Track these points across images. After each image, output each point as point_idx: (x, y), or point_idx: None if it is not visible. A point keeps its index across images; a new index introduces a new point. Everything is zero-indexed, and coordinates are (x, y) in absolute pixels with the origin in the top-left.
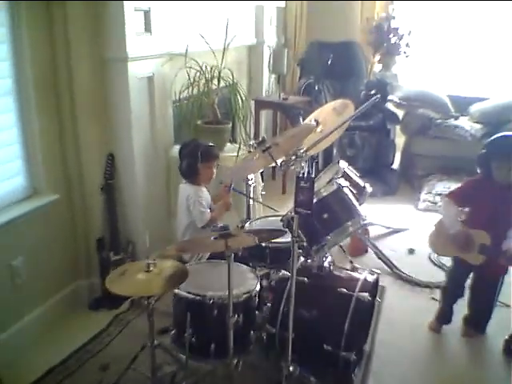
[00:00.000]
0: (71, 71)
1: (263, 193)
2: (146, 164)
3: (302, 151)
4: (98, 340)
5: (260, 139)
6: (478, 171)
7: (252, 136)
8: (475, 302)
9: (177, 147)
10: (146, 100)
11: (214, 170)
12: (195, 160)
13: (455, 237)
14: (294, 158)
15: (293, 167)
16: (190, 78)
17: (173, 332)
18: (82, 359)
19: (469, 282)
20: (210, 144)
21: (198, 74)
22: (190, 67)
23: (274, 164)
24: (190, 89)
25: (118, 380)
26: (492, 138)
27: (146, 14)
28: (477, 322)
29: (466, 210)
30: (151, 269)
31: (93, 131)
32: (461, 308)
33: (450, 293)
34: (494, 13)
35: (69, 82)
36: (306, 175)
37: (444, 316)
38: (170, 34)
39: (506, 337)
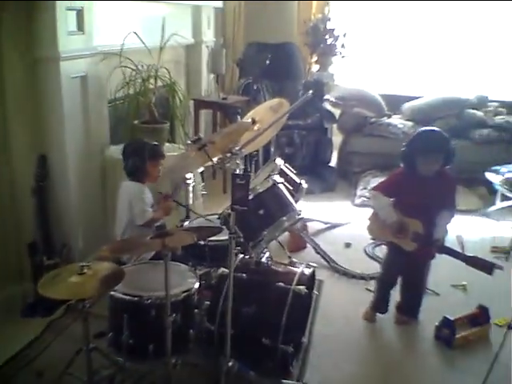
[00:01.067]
0: (2, 71)
1: (204, 192)
2: (79, 165)
3: (236, 148)
4: (33, 347)
5: (196, 137)
6: (402, 165)
7: (192, 135)
8: (406, 288)
9: (113, 147)
10: (79, 100)
11: (160, 169)
12: (141, 159)
13: (391, 225)
14: (229, 155)
15: (228, 164)
16: (125, 77)
17: (109, 335)
18: (16, 367)
19: None
20: (156, 143)
21: (134, 73)
22: (126, 66)
23: (210, 162)
24: (126, 88)
25: None
26: (415, 134)
27: (79, 13)
28: (409, 308)
29: (393, 200)
30: (85, 271)
31: (24, 132)
32: (393, 297)
33: (385, 281)
34: (423, 13)
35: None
36: (242, 172)
37: (380, 305)
38: (104, 33)
39: (437, 323)
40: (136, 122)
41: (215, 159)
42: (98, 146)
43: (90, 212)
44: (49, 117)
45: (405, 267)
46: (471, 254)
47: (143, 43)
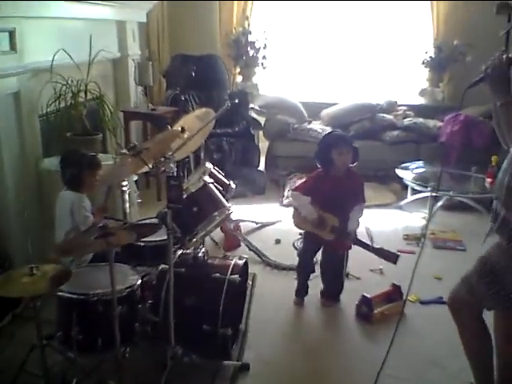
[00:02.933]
0: None
1: (139, 200)
2: (15, 179)
3: (169, 153)
4: None
5: (131, 145)
6: (318, 165)
7: (123, 145)
8: (326, 275)
9: (47, 160)
10: (13, 115)
11: (97, 178)
12: (79, 169)
13: (312, 220)
14: (163, 159)
15: (163, 168)
16: (56, 92)
17: (59, 334)
18: None
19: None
20: (93, 153)
21: (65, 87)
22: (56, 81)
23: (146, 169)
24: (58, 102)
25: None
26: (325, 134)
27: (12, 33)
28: (330, 293)
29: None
30: (35, 272)
31: None
32: (318, 282)
33: (302, 268)
34: (338, 25)
35: None
36: (175, 175)
37: (301, 290)
38: (35, 51)
39: (356, 302)
40: (68, 134)
41: (150, 164)
42: (32, 160)
43: (28, 223)
44: None
45: (323, 257)
46: (378, 246)
47: (71, 59)
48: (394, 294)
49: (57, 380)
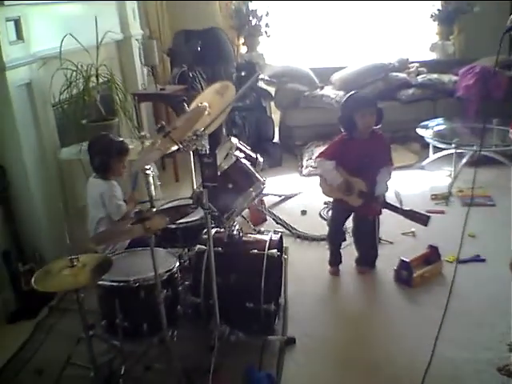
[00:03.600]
0: None
1: (159, 183)
2: (37, 171)
3: (201, 130)
4: (27, 348)
5: (159, 125)
6: (342, 130)
7: (162, 122)
8: (359, 242)
9: (64, 149)
10: (28, 107)
11: (125, 164)
12: (108, 156)
13: (338, 186)
14: (194, 137)
15: (195, 146)
16: (67, 79)
17: (103, 322)
18: (15, 368)
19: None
20: (121, 139)
21: (75, 73)
22: (67, 68)
23: (174, 148)
24: (70, 89)
25: (59, 377)
26: (347, 96)
27: (17, 22)
28: (365, 260)
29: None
30: (75, 263)
31: None
32: (352, 250)
33: (333, 237)
34: None
35: None
36: (208, 152)
37: (334, 259)
38: (42, 39)
39: (394, 267)
40: (84, 121)
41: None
42: (50, 150)
43: (54, 215)
44: (2, 128)
45: (354, 224)
46: (408, 208)
47: (80, 43)
48: (432, 256)
49: (104, 369)
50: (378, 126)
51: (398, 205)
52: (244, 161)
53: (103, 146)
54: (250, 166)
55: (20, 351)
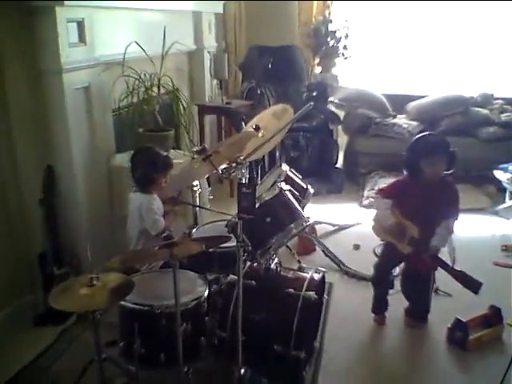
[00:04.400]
0: (5, 84)
1: (211, 197)
2: (86, 174)
3: (242, 158)
4: (46, 356)
5: (200, 147)
6: (405, 172)
7: (197, 142)
8: (409, 293)
9: (119, 156)
10: (83, 110)
11: (167, 178)
12: (153, 169)
13: (389, 226)
14: (234, 165)
15: (234, 174)
16: (128, 87)
17: (121, 344)
18: (30, 377)
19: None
20: (166, 153)
21: (137, 81)
22: (129, 75)
23: (216, 172)
24: (130, 97)
25: None
26: (415, 138)
27: (80, 24)
28: (415, 313)
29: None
30: (94, 283)
31: (30, 144)
32: (403, 298)
33: (378, 282)
34: (426, 11)
35: (2, 96)
36: (247, 181)
37: (378, 306)
38: (105, 43)
39: (449, 325)
40: (141, 130)
41: (220, 169)
42: (103, 155)
43: (98, 221)
44: (54, 128)
45: (405, 272)
46: (459, 269)
47: (145, 52)
48: (493, 318)
49: None
50: (449, 172)
51: (449, 263)
52: (288, 193)
53: (148, 159)
54: (294, 200)
55: (39, 358)
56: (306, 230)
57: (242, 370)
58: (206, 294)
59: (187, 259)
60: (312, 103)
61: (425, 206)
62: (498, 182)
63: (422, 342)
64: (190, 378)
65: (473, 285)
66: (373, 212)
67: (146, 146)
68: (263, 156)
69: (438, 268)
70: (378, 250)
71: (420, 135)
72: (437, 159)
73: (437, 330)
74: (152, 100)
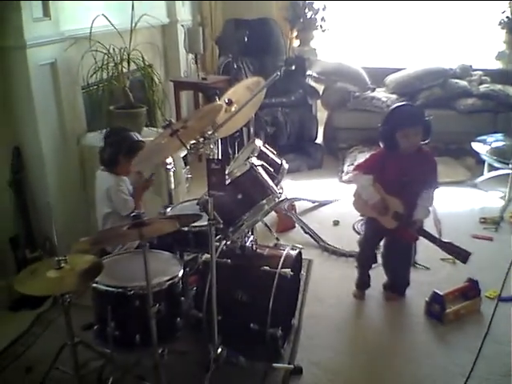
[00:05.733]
0: None
1: (189, 175)
2: (55, 155)
3: (209, 133)
4: (21, 341)
5: (166, 122)
6: (381, 145)
7: (170, 118)
8: (389, 267)
9: (90, 135)
10: (50, 87)
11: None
12: (118, 151)
13: (374, 204)
14: (202, 140)
15: (202, 150)
16: (96, 62)
17: (95, 327)
18: (5, 362)
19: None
20: (139, 138)
21: (106, 57)
22: (97, 50)
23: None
24: (99, 73)
25: (42, 381)
26: (389, 110)
27: None
28: (395, 286)
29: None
30: (62, 265)
31: None
32: (381, 273)
33: (363, 258)
34: None
35: None
36: (217, 157)
37: (362, 282)
38: (71, 17)
39: (426, 299)
40: (111, 107)
41: (189, 144)
42: (74, 134)
43: (70, 202)
44: (19, 107)
45: (386, 246)
46: (447, 240)
47: (112, 25)
48: (470, 291)
49: (93, 377)
50: (425, 142)
51: (436, 235)
52: (260, 169)
53: (116, 141)
54: (265, 176)
55: (13, 344)
56: (285, 206)
57: (219, 350)
58: (181, 274)
59: (164, 239)
60: (279, 73)
61: (403, 177)
62: (477, 155)
63: (400, 315)
64: (166, 359)
65: (462, 254)
66: (353, 187)
67: (118, 126)
68: (240, 132)
69: (419, 239)
70: (358, 226)
71: (394, 106)
72: (412, 130)
73: (415, 304)
74: (122, 76)
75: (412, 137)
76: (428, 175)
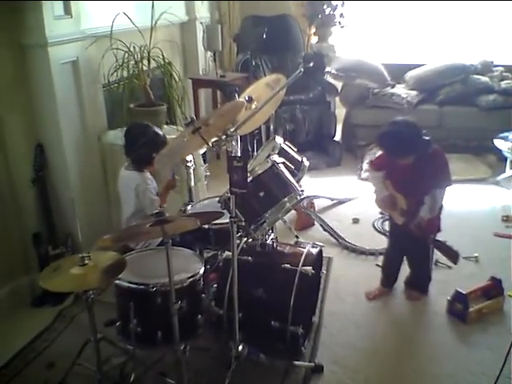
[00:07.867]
0: None
1: (208, 173)
2: (77, 152)
3: (231, 130)
4: (44, 337)
5: (188, 120)
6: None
7: (192, 116)
8: (411, 264)
9: (111, 132)
10: (71, 85)
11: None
12: (152, 149)
13: (383, 199)
14: (224, 137)
15: (224, 147)
16: (117, 60)
17: (118, 323)
18: (27, 358)
19: None
20: (161, 132)
21: (127, 55)
22: (117, 48)
23: (206, 145)
24: (120, 71)
25: (64, 377)
26: (378, 136)
27: None
28: (416, 284)
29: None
30: (86, 262)
31: (18, 122)
32: (404, 272)
33: (389, 255)
34: None
35: None
36: (239, 154)
37: (387, 281)
38: (92, 16)
39: (448, 297)
40: (132, 105)
41: (211, 142)
42: (95, 132)
43: (92, 199)
44: (42, 104)
45: (407, 243)
46: (440, 239)
47: (133, 23)
48: (493, 289)
49: (115, 373)
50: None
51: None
52: (282, 166)
53: (146, 138)
54: (287, 173)
55: (36, 340)
56: (304, 204)
57: (240, 347)
58: (202, 271)
59: (184, 236)
60: (302, 69)
61: (412, 176)
62: (499, 152)
63: (421, 314)
64: (188, 355)
65: (450, 255)
66: (372, 185)
67: (141, 122)
68: (259, 129)
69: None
70: (378, 224)
71: (382, 132)
72: (399, 160)
73: (437, 303)
74: (143, 74)
75: (403, 161)
76: (437, 174)
